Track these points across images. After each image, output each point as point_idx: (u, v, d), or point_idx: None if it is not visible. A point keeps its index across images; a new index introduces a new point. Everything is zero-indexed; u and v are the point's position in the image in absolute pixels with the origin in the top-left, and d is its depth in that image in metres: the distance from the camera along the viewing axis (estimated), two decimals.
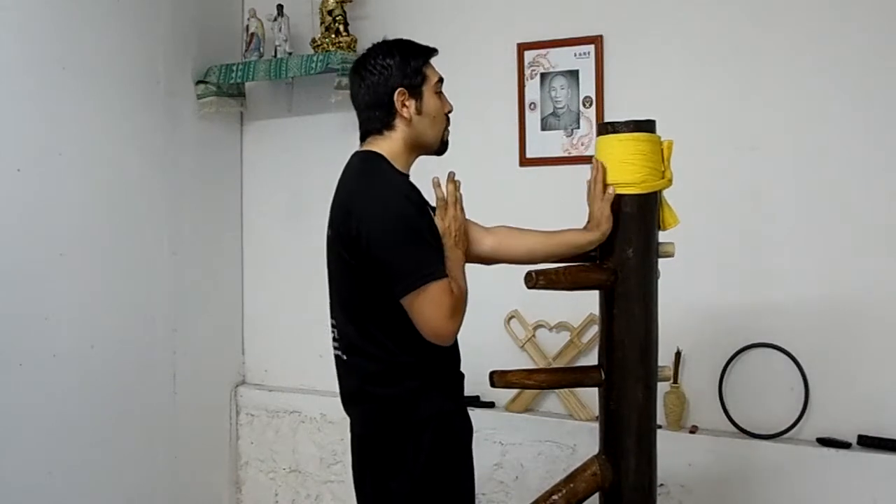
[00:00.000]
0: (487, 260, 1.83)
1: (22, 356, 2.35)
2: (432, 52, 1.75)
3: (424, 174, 1.71)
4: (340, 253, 1.65)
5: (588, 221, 1.77)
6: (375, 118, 1.70)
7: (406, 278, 1.56)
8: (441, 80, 1.75)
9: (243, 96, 3.11)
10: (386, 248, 1.57)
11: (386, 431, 1.67)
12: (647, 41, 2.48)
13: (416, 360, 1.65)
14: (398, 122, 1.69)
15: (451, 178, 1.71)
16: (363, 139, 1.75)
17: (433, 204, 1.71)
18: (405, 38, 1.76)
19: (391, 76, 1.68)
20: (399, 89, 1.67)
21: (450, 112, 1.77)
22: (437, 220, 1.68)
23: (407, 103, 1.68)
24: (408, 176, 1.72)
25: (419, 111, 1.70)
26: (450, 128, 1.78)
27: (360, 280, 1.63)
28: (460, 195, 1.71)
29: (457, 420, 1.72)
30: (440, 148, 1.77)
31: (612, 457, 1.76)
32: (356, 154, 1.74)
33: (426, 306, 1.56)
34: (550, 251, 1.79)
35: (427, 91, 1.71)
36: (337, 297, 1.73)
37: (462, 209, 1.71)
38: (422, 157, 1.77)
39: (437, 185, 1.73)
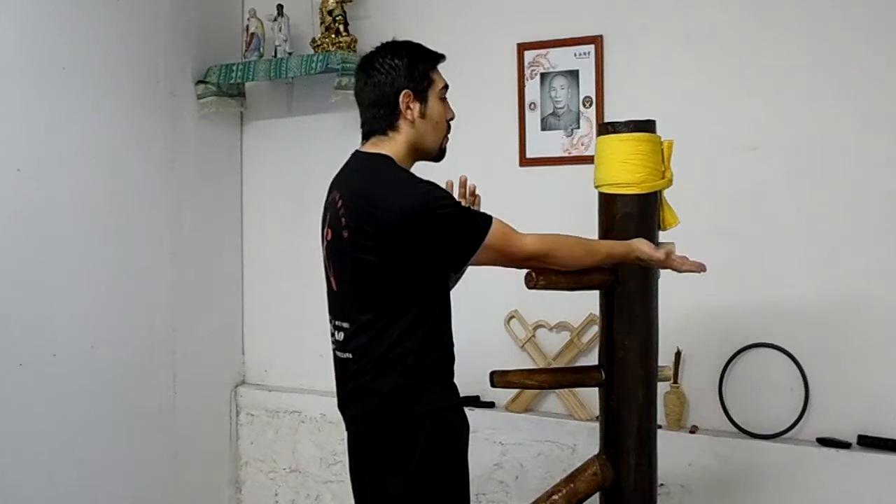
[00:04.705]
0: None
1: (22, 356, 2.35)
2: (440, 57, 1.77)
3: (421, 171, 1.72)
4: (355, 253, 1.64)
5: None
6: (379, 117, 1.71)
7: (469, 241, 1.61)
8: (446, 86, 1.77)
9: (243, 96, 3.11)
10: (436, 230, 1.60)
11: (384, 427, 1.67)
12: (647, 41, 2.48)
13: (422, 357, 1.65)
14: (401, 124, 1.70)
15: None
16: (366, 138, 1.75)
17: None
18: (411, 40, 1.78)
19: (398, 77, 1.69)
20: (405, 91, 1.69)
21: (451, 119, 1.79)
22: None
23: (412, 106, 1.70)
24: None
25: (423, 115, 1.71)
26: (449, 135, 1.79)
27: (382, 274, 1.62)
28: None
29: (454, 416, 1.72)
30: (438, 154, 1.79)
31: (613, 457, 1.77)
32: (361, 154, 1.74)
33: (495, 249, 1.62)
34: None
35: (432, 96, 1.73)
36: (350, 298, 1.70)
37: None
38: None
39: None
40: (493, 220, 1.63)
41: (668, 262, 1.69)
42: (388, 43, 1.76)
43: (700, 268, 1.71)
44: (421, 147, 1.73)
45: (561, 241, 1.67)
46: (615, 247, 1.71)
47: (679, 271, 1.70)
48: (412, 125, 1.70)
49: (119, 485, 2.66)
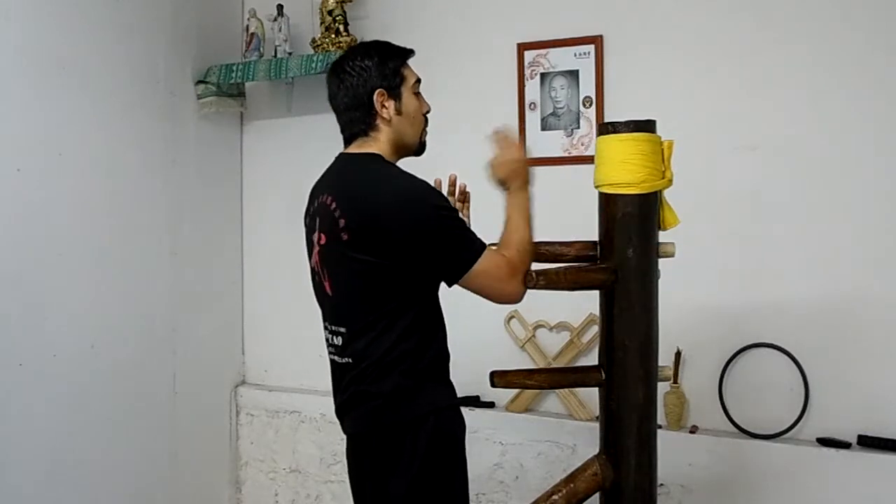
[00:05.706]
0: None
1: (22, 356, 2.35)
2: (409, 53, 1.77)
3: (421, 172, 1.72)
4: (354, 254, 1.62)
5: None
6: (357, 119, 1.71)
7: (459, 261, 1.60)
8: (419, 80, 1.77)
9: (243, 96, 3.11)
10: (433, 237, 1.59)
11: (385, 429, 1.67)
12: (647, 41, 2.48)
13: (419, 357, 1.65)
14: (379, 123, 1.71)
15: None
16: (348, 142, 1.76)
17: None
18: (378, 39, 1.78)
19: (370, 77, 1.69)
20: (378, 90, 1.69)
21: (428, 112, 1.79)
22: (497, 159, 1.75)
23: (386, 104, 1.70)
24: None
25: (398, 112, 1.71)
26: (427, 128, 1.79)
27: (379, 276, 1.62)
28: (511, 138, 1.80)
29: (453, 416, 1.72)
30: (419, 148, 1.79)
31: (613, 457, 1.76)
32: (347, 155, 1.74)
33: (484, 279, 1.61)
34: None
35: (405, 91, 1.73)
36: (347, 302, 1.69)
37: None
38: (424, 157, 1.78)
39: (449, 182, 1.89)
40: (488, 247, 1.64)
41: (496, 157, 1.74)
42: (356, 45, 1.79)
43: (508, 134, 1.75)
44: (401, 143, 1.74)
45: (520, 247, 1.67)
46: (519, 201, 1.72)
47: (506, 152, 1.73)
48: (389, 123, 1.70)
49: (119, 485, 2.66)
